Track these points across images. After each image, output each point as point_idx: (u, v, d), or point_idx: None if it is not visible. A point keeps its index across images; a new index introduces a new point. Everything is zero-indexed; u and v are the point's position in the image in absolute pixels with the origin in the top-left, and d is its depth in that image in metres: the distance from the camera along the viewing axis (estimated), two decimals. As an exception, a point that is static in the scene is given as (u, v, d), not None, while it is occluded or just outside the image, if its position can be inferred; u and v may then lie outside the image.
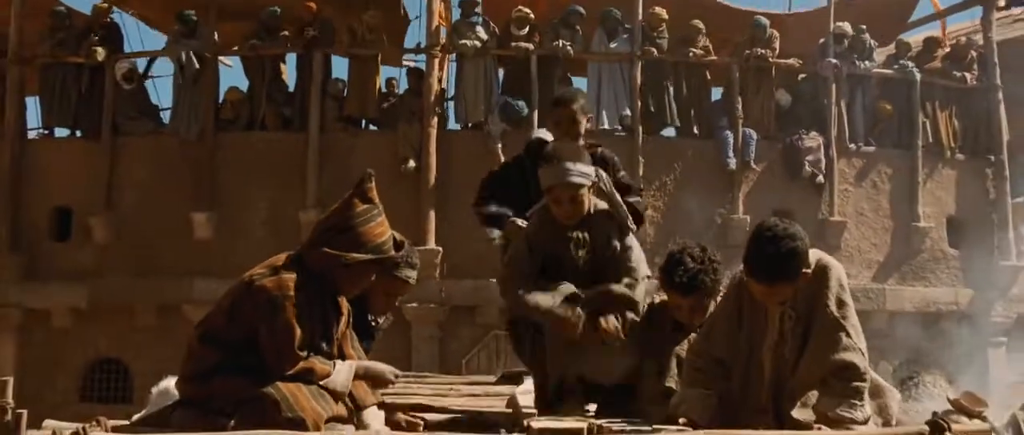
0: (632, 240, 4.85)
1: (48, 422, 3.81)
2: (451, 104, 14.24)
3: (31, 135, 14.63)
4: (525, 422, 4.09)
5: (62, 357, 13.67)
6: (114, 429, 3.97)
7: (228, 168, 13.69)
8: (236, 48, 14.54)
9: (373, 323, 5.05)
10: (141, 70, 14.53)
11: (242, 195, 13.56)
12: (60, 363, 13.64)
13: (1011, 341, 14.54)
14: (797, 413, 4.27)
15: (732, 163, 13.82)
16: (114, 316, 13.54)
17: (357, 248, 4.05)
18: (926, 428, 3.89)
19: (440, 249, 13.03)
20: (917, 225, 14.37)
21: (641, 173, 13.55)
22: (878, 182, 14.49)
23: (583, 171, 4.76)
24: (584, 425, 3.86)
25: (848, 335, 4.21)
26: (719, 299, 4.59)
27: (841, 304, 4.23)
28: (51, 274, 13.68)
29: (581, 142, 5.73)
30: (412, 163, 13.34)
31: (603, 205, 4.87)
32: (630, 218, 4.92)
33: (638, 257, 4.83)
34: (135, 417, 4.47)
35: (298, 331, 3.95)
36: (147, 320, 13.55)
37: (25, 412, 3.95)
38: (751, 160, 13.95)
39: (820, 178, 14.04)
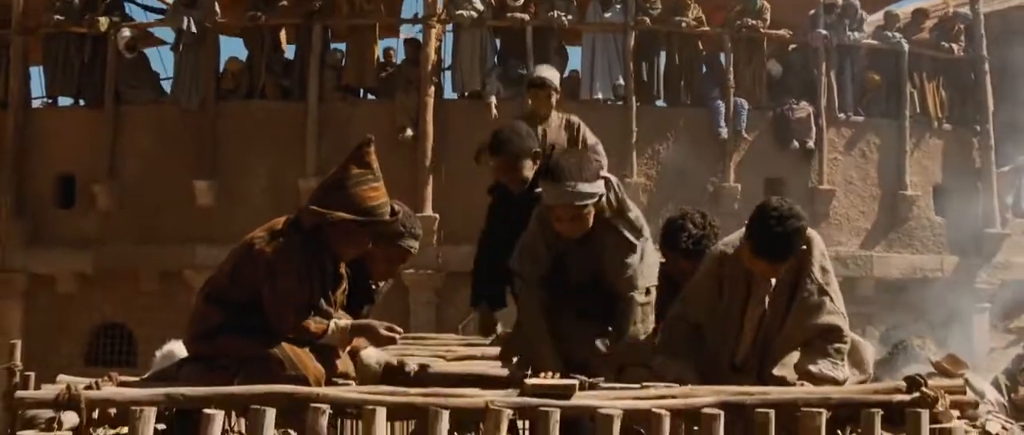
0: (639, 250, 4.66)
1: (62, 377, 4.05)
2: (448, 74, 14.47)
3: (35, 104, 14.86)
4: (520, 379, 4.28)
5: (67, 322, 13.98)
6: (124, 384, 4.21)
7: (229, 137, 13.94)
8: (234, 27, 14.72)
9: (374, 287, 5.26)
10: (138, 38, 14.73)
11: (243, 163, 13.82)
12: (65, 328, 13.95)
13: (994, 307, 14.86)
14: (777, 371, 4.54)
15: (724, 132, 14.07)
16: (118, 282, 13.83)
17: (345, 208, 4.18)
18: (903, 384, 4.15)
19: (437, 216, 13.31)
20: (904, 193, 14.65)
21: (634, 141, 13.82)
22: (866, 151, 14.75)
23: (587, 190, 4.51)
24: (576, 381, 4.09)
25: (832, 300, 4.49)
26: (700, 270, 4.79)
27: (824, 271, 4.51)
28: (56, 240, 13.95)
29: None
30: (409, 132, 13.58)
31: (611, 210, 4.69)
32: (644, 229, 4.71)
33: (646, 270, 4.65)
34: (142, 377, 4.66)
35: (296, 293, 4.17)
36: (150, 286, 13.84)
37: (33, 374, 4.20)
38: (742, 129, 14.20)
39: (810, 146, 14.31)
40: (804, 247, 4.46)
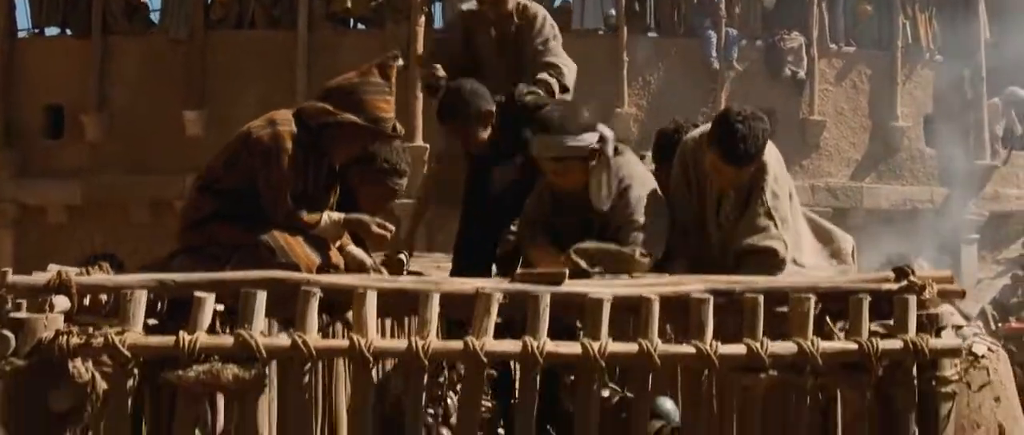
0: (633, 196, 4.41)
1: (52, 265, 4.05)
2: (438, 4, 14.39)
3: (21, 34, 14.77)
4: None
5: (57, 253, 13.85)
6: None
7: (218, 66, 13.89)
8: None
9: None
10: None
11: (232, 93, 13.76)
12: (55, 258, 13.78)
13: (983, 238, 14.94)
14: None
15: (715, 62, 14.06)
16: (108, 212, 13.83)
17: (354, 112, 4.19)
18: (892, 275, 4.17)
19: (428, 146, 13.29)
20: (895, 124, 14.68)
21: (625, 71, 13.79)
22: (858, 82, 14.75)
23: (571, 143, 4.35)
24: (566, 270, 4.09)
25: (769, 216, 4.45)
26: (673, 172, 4.76)
27: (775, 196, 4.47)
28: (45, 171, 13.95)
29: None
30: (400, 62, 13.47)
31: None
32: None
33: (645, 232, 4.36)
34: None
35: (292, 182, 4.17)
36: (140, 216, 13.85)
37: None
38: (734, 59, 14.18)
39: (801, 77, 14.31)
40: (762, 163, 4.43)
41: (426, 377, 3.79)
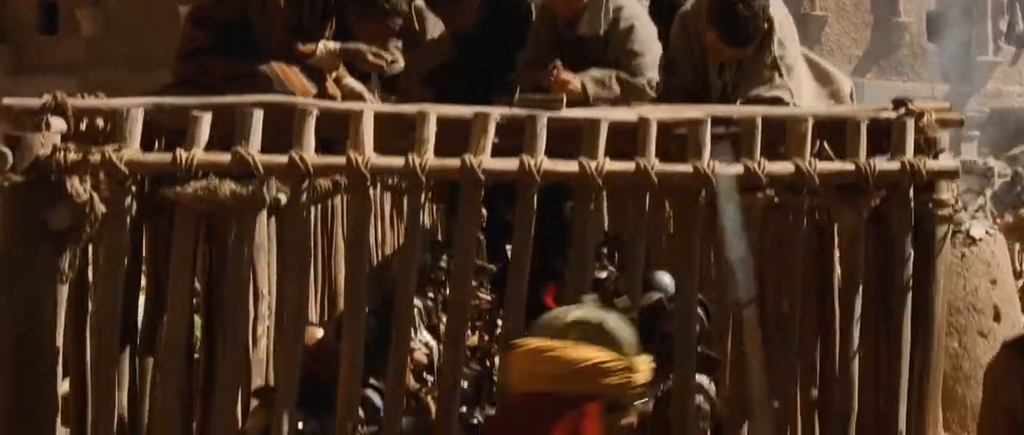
0: (638, 30, 4.50)
1: (46, 95, 4.04)
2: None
3: (12, -71, 14.62)
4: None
5: (55, 150, 13.96)
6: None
7: (214, -41, 13.75)
8: None
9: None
10: None
11: (229, -14, 13.66)
12: (53, 155, 13.93)
13: (983, 135, 14.94)
14: None
15: (715, -43, 13.91)
16: (105, 109, 13.79)
17: None
18: (890, 105, 4.17)
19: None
20: (897, 20, 14.59)
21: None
22: (860, -24, 14.64)
23: None
24: (563, 96, 4.08)
25: (781, 75, 4.46)
26: (673, 36, 4.75)
27: (781, 45, 4.49)
28: (40, 67, 13.87)
29: None
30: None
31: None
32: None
33: (649, 59, 4.47)
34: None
35: (286, 9, 4.15)
36: (138, 113, 13.81)
37: None
38: (734, -46, 14.03)
39: (803, -28, 14.18)
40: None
41: (424, 195, 3.79)
